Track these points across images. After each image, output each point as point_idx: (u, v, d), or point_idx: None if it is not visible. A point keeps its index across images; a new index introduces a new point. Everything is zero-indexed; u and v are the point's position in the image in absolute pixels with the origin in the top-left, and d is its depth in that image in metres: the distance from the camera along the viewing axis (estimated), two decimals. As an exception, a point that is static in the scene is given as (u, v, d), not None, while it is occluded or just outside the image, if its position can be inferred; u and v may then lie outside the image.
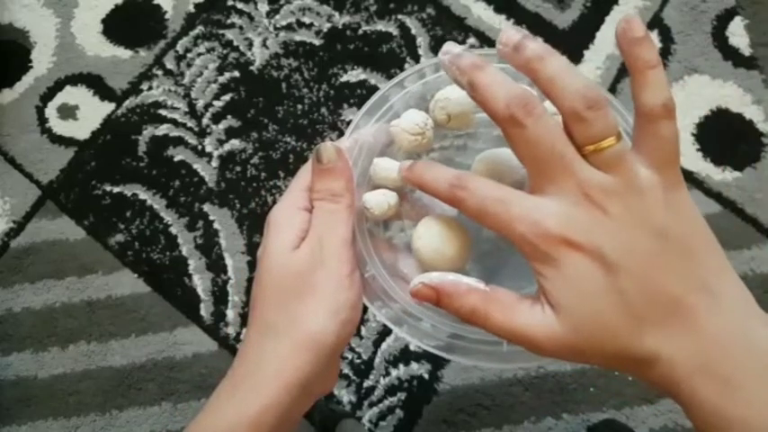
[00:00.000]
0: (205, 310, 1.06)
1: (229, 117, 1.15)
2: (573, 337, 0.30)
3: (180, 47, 1.19)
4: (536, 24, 1.16)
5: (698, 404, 0.29)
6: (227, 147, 1.13)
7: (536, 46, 0.30)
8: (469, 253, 0.39)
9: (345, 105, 1.14)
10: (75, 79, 1.18)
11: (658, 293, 0.29)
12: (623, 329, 0.29)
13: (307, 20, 1.19)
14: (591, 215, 0.29)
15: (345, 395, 1.01)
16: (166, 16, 1.21)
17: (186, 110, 1.15)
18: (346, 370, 1.01)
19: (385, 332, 1.03)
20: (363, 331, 1.03)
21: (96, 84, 1.17)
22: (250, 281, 1.07)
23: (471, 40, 1.16)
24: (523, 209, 0.30)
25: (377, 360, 1.02)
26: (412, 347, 1.02)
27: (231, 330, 1.05)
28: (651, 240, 0.29)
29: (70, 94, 1.17)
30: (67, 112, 1.16)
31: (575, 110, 0.29)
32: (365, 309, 0.38)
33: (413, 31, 1.17)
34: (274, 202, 1.10)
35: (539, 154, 0.29)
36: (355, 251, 0.38)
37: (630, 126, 0.38)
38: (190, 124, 1.14)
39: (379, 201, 0.39)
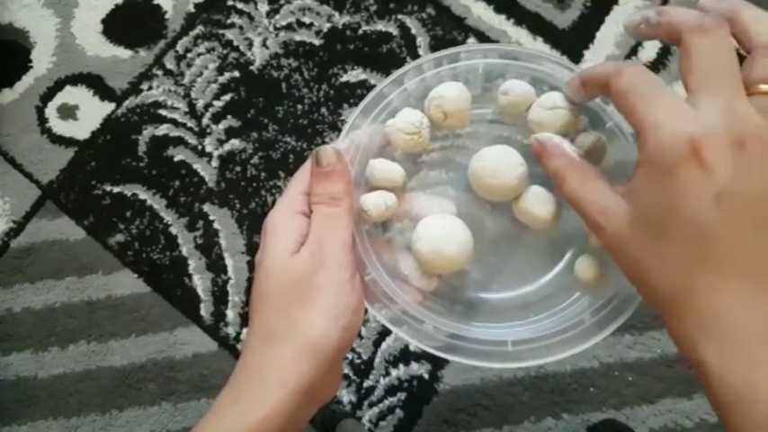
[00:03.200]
0: (205, 310, 1.06)
1: (229, 117, 1.15)
2: (625, 225, 0.30)
3: (180, 47, 1.19)
4: (536, 24, 1.16)
5: (724, 369, 0.27)
6: (227, 147, 1.13)
7: (736, 1, 0.32)
8: (470, 252, 0.39)
9: (345, 105, 1.14)
10: (75, 79, 1.18)
11: (739, 248, 0.28)
12: (679, 257, 0.28)
13: (307, 20, 1.19)
14: (731, 144, 0.28)
15: (345, 395, 1.01)
16: (166, 16, 1.21)
17: (186, 110, 1.15)
18: (346, 370, 1.01)
19: (385, 332, 1.03)
20: (363, 331, 1.03)
21: (96, 84, 1.17)
22: (250, 281, 1.07)
23: (471, 40, 1.16)
24: (674, 102, 0.29)
25: (377, 360, 1.02)
26: (412, 347, 1.02)
27: (231, 330, 1.05)
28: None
29: (70, 94, 1.17)
30: (67, 112, 1.16)
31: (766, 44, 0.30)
32: (366, 311, 0.38)
33: (413, 31, 1.17)
34: (274, 203, 1.09)
35: (713, 65, 0.30)
36: (355, 254, 0.38)
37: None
38: (190, 124, 1.14)
39: (377, 202, 0.39)
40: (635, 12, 0.34)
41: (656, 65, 1.12)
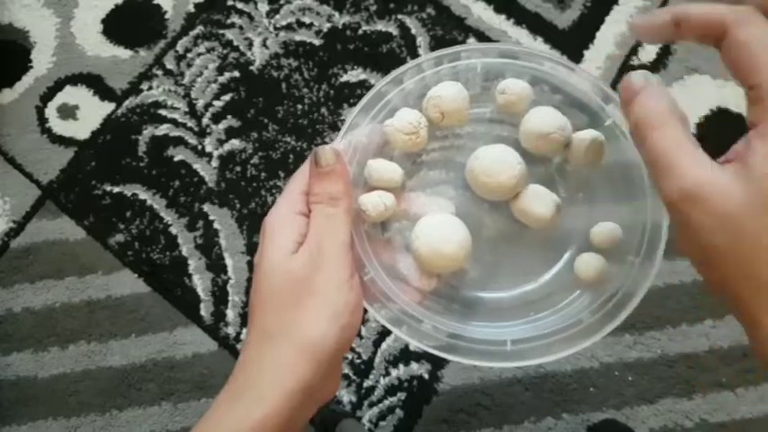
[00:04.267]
0: (205, 310, 1.06)
1: (229, 117, 1.15)
2: (739, 205, 0.26)
3: (180, 47, 1.19)
4: (536, 24, 1.16)
5: None
6: (227, 147, 1.13)
7: None
8: (469, 251, 0.39)
9: (345, 105, 1.14)
10: (75, 79, 1.18)
11: None
12: None
13: (307, 20, 1.19)
14: None
15: (345, 395, 1.01)
16: (166, 16, 1.21)
17: (186, 110, 1.15)
18: (346, 370, 1.01)
19: (385, 332, 1.03)
20: (363, 331, 1.03)
21: (96, 84, 1.17)
22: (250, 281, 1.07)
23: (471, 41, 1.16)
24: None
25: (377, 360, 1.02)
26: (412, 347, 1.02)
27: (231, 330, 1.05)
28: None
29: (70, 94, 1.17)
30: (67, 112, 1.16)
31: None
32: (365, 311, 0.38)
33: (413, 31, 1.17)
34: (274, 203, 1.10)
35: None
36: (354, 254, 0.38)
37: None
38: (190, 124, 1.14)
39: (375, 202, 0.39)
40: (644, 14, 0.32)
41: (656, 65, 1.12)
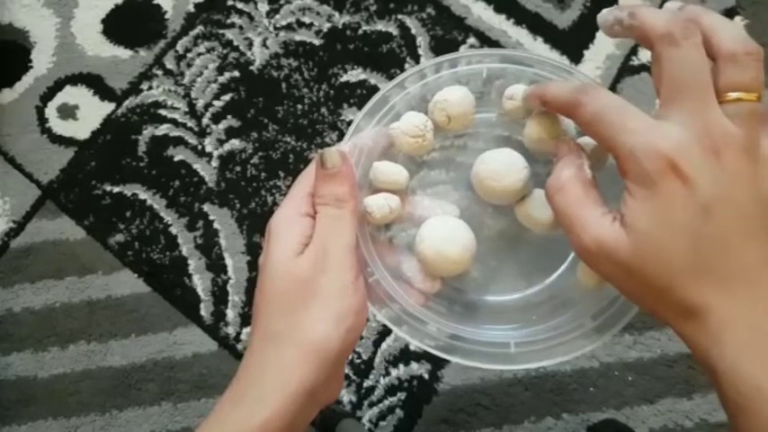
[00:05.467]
0: (205, 310, 1.06)
1: (229, 117, 1.15)
2: (629, 256, 0.29)
3: (180, 47, 1.19)
4: (536, 24, 1.16)
5: (734, 372, 0.28)
6: (227, 147, 1.13)
7: (694, 7, 0.31)
8: (473, 254, 0.39)
9: (345, 105, 1.14)
10: (75, 79, 1.18)
11: (735, 253, 0.29)
12: (685, 272, 0.29)
13: (307, 20, 1.19)
14: (705, 154, 0.28)
15: (345, 395, 1.01)
16: (166, 16, 1.20)
17: (186, 110, 1.15)
18: (346, 370, 1.02)
19: (385, 332, 1.03)
20: (363, 331, 1.03)
21: (96, 84, 1.17)
22: (250, 281, 1.07)
23: (471, 40, 1.16)
24: (641, 124, 0.29)
25: (377, 360, 1.02)
26: (412, 347, 1.02)
27: (231, 330, 1.05)
28: (750, 204, 0.29)
29: (70, 94, 1.17)
30: (67, 112, 1.16)
31: (733, 52, 0.29)
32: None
33: (413, 31, 1.17)
34: (274, 202, 1.10)
35: (683, 77, 0.29)
36: (358, 256, 0.38)
37: None
38: (190, 124, 1.14)
39: (381, 204, 0.39)
40: (608, 10, 0.34)
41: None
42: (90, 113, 1.16)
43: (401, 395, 1.00)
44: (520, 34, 1.16)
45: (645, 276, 0.30)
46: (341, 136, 1.13)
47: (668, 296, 0.30)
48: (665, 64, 0.30)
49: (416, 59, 1.15)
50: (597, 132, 0.31)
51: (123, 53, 1.19)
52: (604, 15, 0.34)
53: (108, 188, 1.12)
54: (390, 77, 1.14)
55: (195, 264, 1.08)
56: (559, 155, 0.34)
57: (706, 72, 0.29)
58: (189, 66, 1.18)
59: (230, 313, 1.05)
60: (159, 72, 1.18)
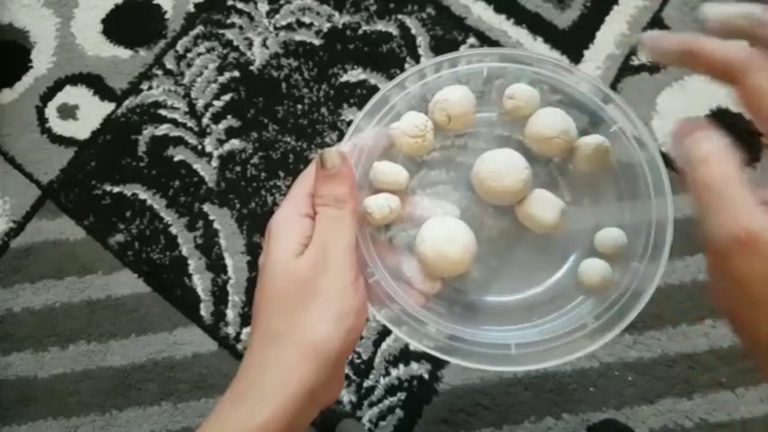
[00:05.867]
0: (205, 310, 1.06)
1: (229, 117, 1.15)
2: None
3: (180, 47, 1.19)
4: (536, 24, 1.16)
5: None
6: (227, 147, 1.13)
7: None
8: (473, 255, 0.39)
9: (345, 105, 1.14)
10: (75, 79, 1.18)
11: None
12: None
13: (307, 20, 1.19)
14: None
15: (345, 395, 1.01)
16: (166, 16, 1.20)
17: (186, 110, 1.15)
18: (346, 370, 1.01)
19: (385, 332, 1.03)
20: (363, 331, 1.03)
21: (96, 84, 1.17)
22: (250, 281, 1.07)
23: (471, 40, 1.16)
24: None
25: (377, 360, 1.02)
26: (412, 347, 1.02)
27: (231, 330, 1.05)
28: None
29: (70, 94, 1.17)
30: (67, 112, 1.16)
31: None
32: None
33: (413, 31, 1.17)
34: (274, 203, 1.10)
35: None
36: (358, 256, 0.38)
37: (635, 126, 0.38)
38: (190, 124, 1.14)
39: (381, 205, 0.39)
40: (654, 34, 0.30)
41: (656, 65, 1.12)
42: (90, 113, 1.16)
43: (401, 395, 1.00)
44: (520, 34, 1.16)
45: None
46: (341, 136, 1.13)
47: None
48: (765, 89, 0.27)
49: (416, 59, 1.15)
50: (758, 102, 0.27)
51: (123, 53, 1.19)
52: (654, 41, 0.31)
53: (108, 188, 1.12)
54: (390, 77, 1.14)
55: (195, 264, 1.08)
56: (685, 129, 0.29)
57: None
58: (189, 66, 1.17)
59: (230, 313, 1.05)
60: (159, 72, 1.17)
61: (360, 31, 1.18)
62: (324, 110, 1.14)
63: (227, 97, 1.15)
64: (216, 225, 1.09)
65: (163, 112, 1.15)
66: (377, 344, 1.02)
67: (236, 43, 1.18)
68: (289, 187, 0.40)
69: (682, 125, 0.30)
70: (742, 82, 0.28)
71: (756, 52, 0.28)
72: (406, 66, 1.15)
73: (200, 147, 1.13)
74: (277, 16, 1.19)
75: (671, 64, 0.31)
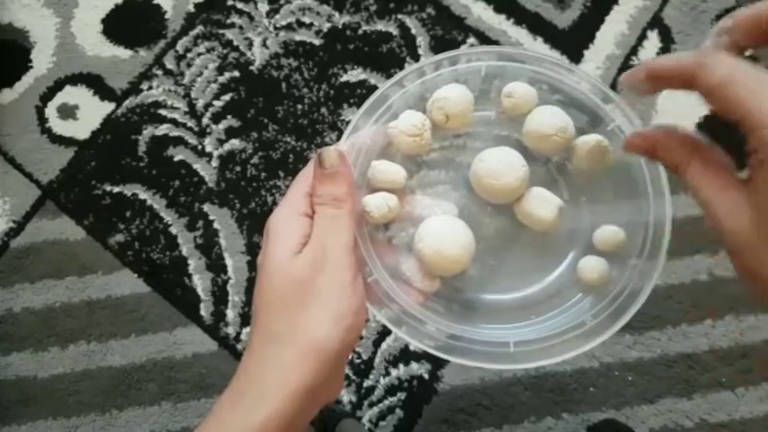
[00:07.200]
0: (205, 310, 1.06)
1: (229, 117, 1.15)
2: (756, 238, 0.27)
3: (180, 47, 1.19)
4: (536, 24, 1.16)
5: None
6: (227, 147, 1.13)
7: None
8: (472, 253, 0.39)
9: (345, 105, 1.14)
10: (75, 79, 1.18)
11: None
12: None
13: (307, 20, 1.19)
14: None
15: (345, 395, 1.01)
16: (166, 16, 1.20)
17: (186, 110, 1.15)
18: (346, 370, 1.01)
19: (385, 332, 1.03)
20: (363, 331, 1.03)
21: (96, 84, 1.17)
22: (250, 281, 1.07)
23: (471, 40, 1.16)
24: None
25: (377, 360, 1.02)
26: (412, 347, 1.02)
27: (231, 330, 1.05)
28: None
29: (70, 94, 1.17)
30: (67, 111, 1.16)
31: None
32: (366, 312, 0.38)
33: (413, 31, 1.17)
34: (274, 203, 1.10)
35: None
36: (357, 256, 0.38)
37: (634, 125, 0.38)
38: (190, 124, 1.14)
39: (379, 204, 0.39)
40: (628, 72, 0.31)
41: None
42: (90, 113, 1.16)
43: (401, 395, 1.00)
44: (520, 34, 1.16)
45: (762, 251, 0.27)
46: (341, 136, 1.13)
47: None
48: (724, 83, 0.28)
49: (416, 59, 1.15)
50: (727, 96, 0.27)
51: (123, 53, 1.19)
52: (627, 78, 0.32)
53: (108, 188, 1.12)
54: (390, 77, 1.14)
55: (195, 264, 1.08)
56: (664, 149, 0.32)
57: None
58: (189, 66, 1.18)
59: (230, 313, 1.05)
60: (159, 72, 1.18)
61: (360, 31, 1.18)
62: (324, 110, 1.14)
63: (227, 97, 1.16)
64: (216, 225, 1.09)
65: (163, 112, 1.15)
66: (377, 344, 1.02)
67: (236, 43, 1.18)
68: (288, 187, 0.40)
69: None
70: (697, 85, 0.29)
71: (703, 52, 0.29)
72: (406, 66, 1.15)
73: (200, 147, 1.13)
74: (277, 16, 1.19)
75: (648, 93, 0.32)
